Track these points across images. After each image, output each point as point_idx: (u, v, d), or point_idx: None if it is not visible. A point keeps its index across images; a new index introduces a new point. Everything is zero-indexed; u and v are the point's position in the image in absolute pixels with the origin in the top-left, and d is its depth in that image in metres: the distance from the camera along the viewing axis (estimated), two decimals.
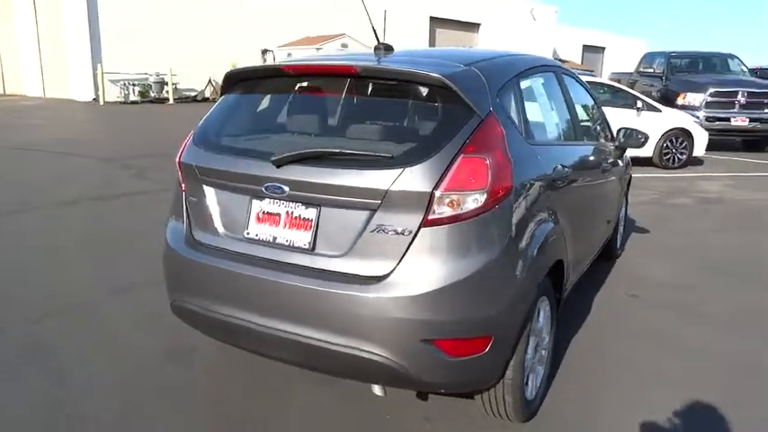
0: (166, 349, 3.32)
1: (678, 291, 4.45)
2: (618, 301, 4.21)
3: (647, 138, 4.31)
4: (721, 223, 6.66)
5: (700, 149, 10.59)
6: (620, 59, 45.13)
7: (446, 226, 2.19)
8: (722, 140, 13.23)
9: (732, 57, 14.22)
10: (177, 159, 2.78)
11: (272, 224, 2.45)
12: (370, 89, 2.59)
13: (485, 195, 2.22)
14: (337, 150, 2.31)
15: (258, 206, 2.49)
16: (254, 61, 25.43)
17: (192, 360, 3.24)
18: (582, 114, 3.86)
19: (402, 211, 2.20)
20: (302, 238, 2.38)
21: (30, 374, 3.00)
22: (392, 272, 2.20)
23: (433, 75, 2.33)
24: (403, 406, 2.84)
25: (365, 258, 2.25)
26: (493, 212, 2.25)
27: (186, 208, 2.71)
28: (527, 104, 2.82)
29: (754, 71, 15.69)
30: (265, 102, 2.81)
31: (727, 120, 12.30)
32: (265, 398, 2.90)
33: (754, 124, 12.37)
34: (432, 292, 2.16)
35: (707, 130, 11.02)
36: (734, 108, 12.35)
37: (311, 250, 2.35)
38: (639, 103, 10.35)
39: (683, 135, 10.46)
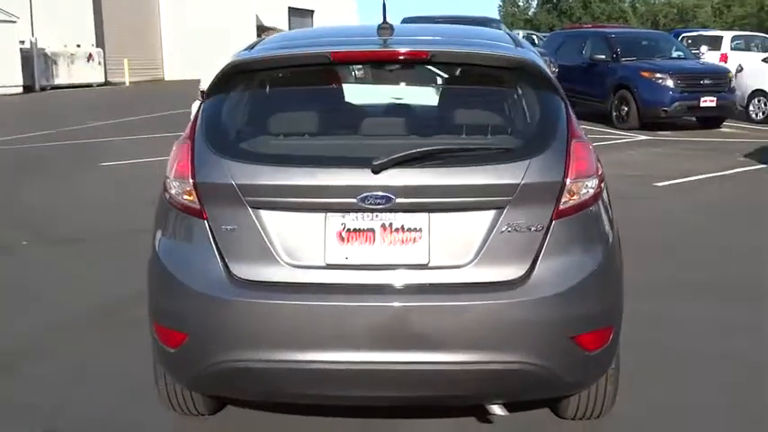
0: None
1: None
2: None
3: None
4: None
5: None
6: (331, 23, 49.04)
7: (574, 216, 2.82)
8: None
9: (497, 21, 17.11)
10: (190, 180, 2.84)
11: (363, 243, 2.76)
12: (441, 75, 3.06)
13: (596, 180, 2.90)
14: (460, 146, 2.76)
15: (339, 223, 2.76)
16: None
17: None
18: None
19: (532, 205, 2.76)
20: (412, 252, 2.76)
21: None
22: (531, 272, 2.75)
23: (523, 57, 2.95)
24: None
25: (497, 262, 2.75)
26: (603, 197, 2.95)
27: (214, 240, 2.82)
28: None
29: None
30: (313, 96, 3.07)
31: None
32: None
33: None
34: (574, 286, 2.77)
35: None
36: None
37: (426, 264, 2.75)
38: None
39: None
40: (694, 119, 15.36)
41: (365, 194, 2.70)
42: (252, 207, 2.78)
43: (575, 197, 2.82)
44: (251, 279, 2.78)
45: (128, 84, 32.47)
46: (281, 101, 3.14)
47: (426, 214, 2.76)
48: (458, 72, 3.10)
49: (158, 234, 3.01)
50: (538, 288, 2.74)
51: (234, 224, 2.80)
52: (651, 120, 14.55)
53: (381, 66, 3.13)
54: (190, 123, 3.05)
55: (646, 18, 75.91)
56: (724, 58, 20.40)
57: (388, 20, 3.18)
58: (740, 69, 16.28)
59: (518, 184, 2.74)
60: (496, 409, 2.98)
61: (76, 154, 12.04)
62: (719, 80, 14.83)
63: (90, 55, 30.15)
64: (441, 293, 2.72)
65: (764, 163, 10.69)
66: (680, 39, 23.22)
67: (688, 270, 5.73)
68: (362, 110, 3.19)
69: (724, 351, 4.23)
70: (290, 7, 48.28)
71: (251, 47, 3.29)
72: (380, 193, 2.70)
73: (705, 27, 46.46)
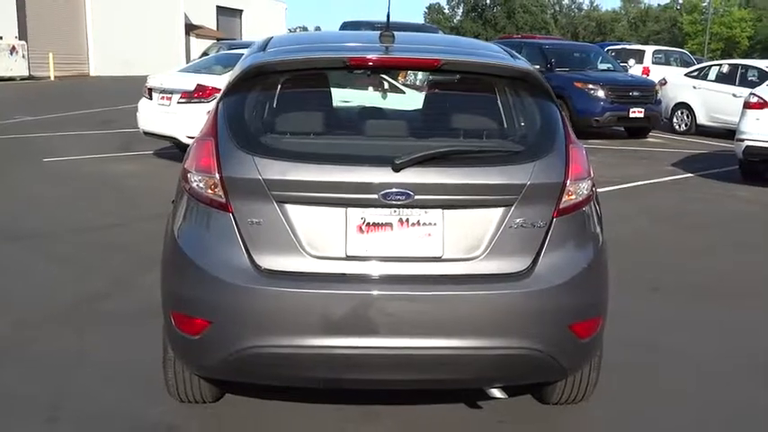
0: None
1: None
2: None
3: None
4: None
5: None
6: (260, 23, 48.76)
7: (572, 214, 3.10)
8: None
9: (434, 29, 17.52)
10: (215, 174, 2.98)
11: (381, 236, 2.97)
12: (450, 82, 3.28)
13: (590, 182, 3.19)
14: (474, 148, 2.99)
15: (359, 217, 2.96)
16: None
17: None
18: None
19: (537, 203, 3.03)
20: (427, 245, 2.98)
21: None
22: (534, 265, 3.01)
23: (525, 67, 3.20)
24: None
25: (504, 256, 3.00)
26: (595, 198, 3.23)
27: (239, 232, 2.96)
28: None
29: None
30: (330, 97, 3.23)
31: None
32: None
33: None
34: (573, 278, 3.05)
35: None
36: None
37: (440, 257, 2.97)
38: None
39: None
40: (623, 129, 16.05)
41: (386, 191, 2.90)
42: (277, 201, 2.93)
43: (572, 197, 3.09)
44: (276, 269, 2.94)
45: (53, 78, 31.57)
46: (301, 101, 3.31)
47: (441, 210, 2.98)
48: (465, 79, 3.34)
49: (177, 224, 3.12)
50: (541, 280, 3.00)
51: (259, 217, 2.94)
52: (583, 129, 15.06)
53: (393, 72, 3.35)
54: (209, 121, 3.18)
55: (566, 30, 78.17)
56: (646, 71, 21.30)
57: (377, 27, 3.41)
58: (664, 82, 17.10)
59: (525, 184, 2.99)
60: (496, 393, 3.23)
61: (15, 149, 11.73)
62: (647, 92, 15.55)
63: (13, 47, 29.18)
64: (453, 284, 2.95)
65: (690, 172, 11.39)
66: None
67: (641, 267, 6.15)
68: (378, 112, 3.39)
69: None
70: (218, 6, 47.84)
71: (263, 48, 3.43)
72: (400, 190, 2.91)
73: (622, 40, 48.30)
